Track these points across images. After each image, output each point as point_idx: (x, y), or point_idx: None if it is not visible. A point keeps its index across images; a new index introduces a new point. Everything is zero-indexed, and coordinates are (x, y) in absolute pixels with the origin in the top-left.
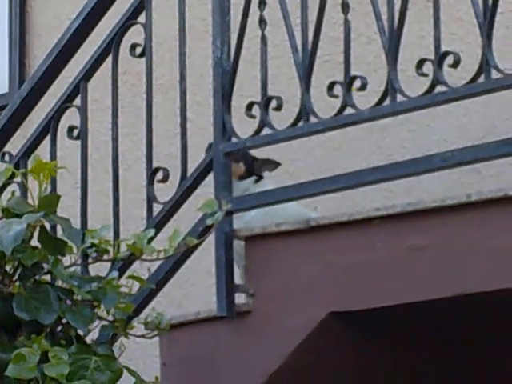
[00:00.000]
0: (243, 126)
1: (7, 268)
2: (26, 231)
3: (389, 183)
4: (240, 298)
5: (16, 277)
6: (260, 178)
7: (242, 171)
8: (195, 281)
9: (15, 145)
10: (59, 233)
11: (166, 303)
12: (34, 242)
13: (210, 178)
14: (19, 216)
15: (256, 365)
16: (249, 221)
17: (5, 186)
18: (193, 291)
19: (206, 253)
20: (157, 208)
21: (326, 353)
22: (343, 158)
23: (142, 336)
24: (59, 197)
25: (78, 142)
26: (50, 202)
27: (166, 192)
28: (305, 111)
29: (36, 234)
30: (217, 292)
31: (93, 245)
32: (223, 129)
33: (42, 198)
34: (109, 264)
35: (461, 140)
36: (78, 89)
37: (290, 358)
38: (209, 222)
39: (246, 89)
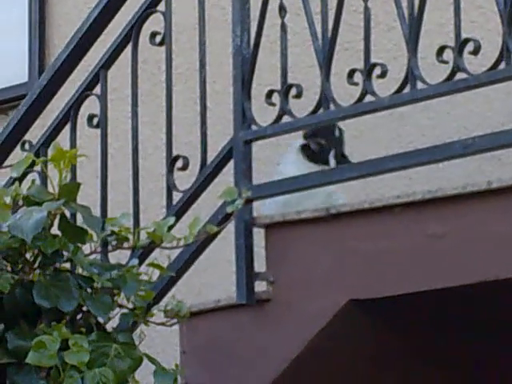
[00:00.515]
0: (263, 114)
1: (27, 256)
2: (46, 219)
3: (409, 171)
4: (260, 286)
5: (36, 265)
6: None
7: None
8: (214, 269)
9: (34, 134)
10: (79, 221)
11: (185, 291)
12: (54, 230)
13: (228, 167)
14: (39, 204)
15: (276, 352)
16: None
17: (25, 174)
18: (212, 279)
19: (226, 241)
20: (176, 196)
21: (346, 340)
22: (363, 146)
23: (162, 324)
24: (79, 184)
25: (97, 131)
26: (70, 189)
27: (185, 180)
28: (325, 99)
29: (56, 222)
30: (236, 280)
31: (113, 233)
32: (243, 117)
33: (62, 185)
34: (128, 252)
35: (481, 127)
36: (97, 77)
37: (309, 345)
38: (229, 209)
39: (265, 77)
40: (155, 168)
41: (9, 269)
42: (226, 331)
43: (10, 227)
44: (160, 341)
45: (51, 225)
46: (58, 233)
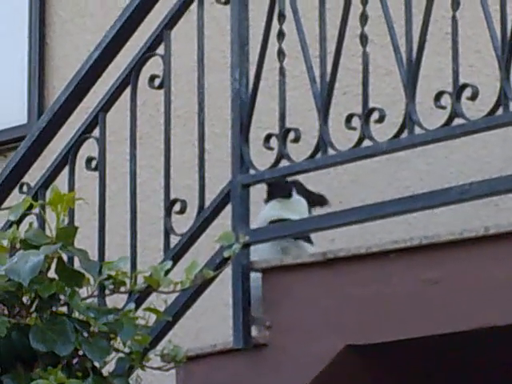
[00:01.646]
0: (260, 158)
1: (24, 299)
2: (43, 263)
3: (407, 215)
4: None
5: (33, 308)
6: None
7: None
8: (211, 313)
9: (33, 175)
10: (76, 264)
11: (182, 335)
12: (51, 274)
13: (226, 210)
14: (37, 247)
15: None
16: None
17: (23, 217)
18: (209, 323)
19: (223, 284)
20: (174, 239)
21: None
22: (360, 190)
23: (159, 368)
24: (77, 228)
25: (95, 173)
26: (67, 233)
27: (182, 223)
28: (323, 143)
29: (53, 265)
30: (233, 324)
31: (110, 277)
32: (241, 160)
33: (59, 229)
34: (125, 296)
35: (479, 173)
36: (96, 120)
37: None
38: (226, 254)
39: (263, 120)
40: (153, 211)
41: (5, 312)
42: (223, 376)
43: (6, 271)
44: None
45: (48, 268)
46: (55, 276)
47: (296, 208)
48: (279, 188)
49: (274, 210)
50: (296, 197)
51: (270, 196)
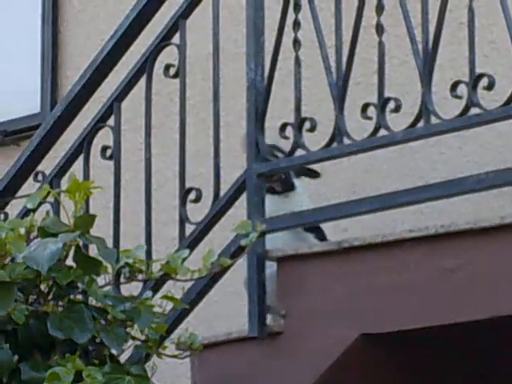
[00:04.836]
0: None
1: (42, 287)
2: (61, 250)
3: (420, 205)
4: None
5: (51, 296)
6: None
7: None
8: (225, 301)
9: (45, 164)
10: (92, 252)
11: (195, 323)
12: (69, 262)
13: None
14: (55, 235)
15: None
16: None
17: (38, 205)
18: (222, 312)
19: (237, 273)
20: (188, 228)
21: (357, 374)
22: (374, 180)
23: (175, 356)
24: (95, 216)
25: (108, 162)
26: (85, 221)
27: (196, 212)
28: (338, 132)
29: (71, 253)
30: (248, 313)
31: (127, 264)
32: (256, 149)
33: (77, 217)
34: (139, 284)
35: (493, 162)
36: (111, 109)
37: (321, 379)
38: (243, 242)
39: (277, 110)
40: (166, 200)
41: (23, 300)
42: (238, 364)
43: (25, 258)
44: (170, 373)
45: (66, 256)
46: (73, 264)
47: (298, 201)
48: (282, 183)
49: (276, 206)
50: (299, 189)
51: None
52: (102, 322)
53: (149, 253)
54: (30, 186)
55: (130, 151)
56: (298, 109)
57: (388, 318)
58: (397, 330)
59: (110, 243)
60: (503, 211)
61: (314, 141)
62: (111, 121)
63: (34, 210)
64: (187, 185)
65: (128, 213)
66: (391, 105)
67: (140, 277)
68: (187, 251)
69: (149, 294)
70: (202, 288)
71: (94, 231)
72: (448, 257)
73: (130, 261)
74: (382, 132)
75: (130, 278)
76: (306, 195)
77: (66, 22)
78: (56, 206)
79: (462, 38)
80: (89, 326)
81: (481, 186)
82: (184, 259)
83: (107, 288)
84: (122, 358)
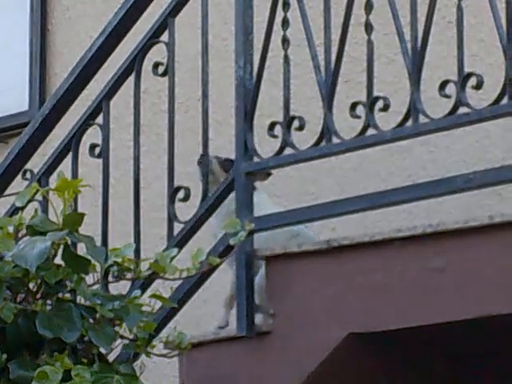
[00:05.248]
0: (263, 146)
1: (31, 285)
2: (50, 249)
3: (409, 204)
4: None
5: (39, 294)
6: None
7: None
8: (213, 300)
9: (34, 162)
10: (81, 251)
11: (183, 322)
12: (58, 260)
13: None
14: (43, 234)
15: None
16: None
17: (26, 203)
18: (210, 311)
19: (225, 272)
20: (177, 227)
21: (346, 373)
22: (362, 179)
23: (164, 355)
24: (83, 215)
25: (97, 161)
26: (74, 220)
27: (184, 211)
28: (327, 131)
29: (60, 252)
30: (237, 312)
31: (116, 263)
32: (245, 148)
33: (66, 215)
34: (127, 283)
35: (481, 162)
36: (100, 107)
37: (309, 379)
38: (232, 241)
39: (265, 108)
40: (154, 198)
41: (12, 298)
42: (226, 363)
43: (13, 257)
44: (157, 372)
45: (55, 255)
46: (61, 263)
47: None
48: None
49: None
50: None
51: None
52: (91, 320)
53: (137, 251)
54: (18, 184)
55: (119, 149)
56: (286, 107)
57: (376, 317)
58: (385, 330)
59: (98, 242)
60: (492, 210)
61: (303, 140)
62: (100, 119)
63: (22, 209)
64: (176, 183)
65: (116, 211)
66: (380, 104)
67: (128, 275)
68: (176, 250)
69: (137, 292)
70: (191, 287)
71: (82, 230)
72: (436, 256)
73: (119, 259)
74: (371, 131)
75: (118, 276)
76: (263, 195)
77: (54, 19)
78: (44, 204)
79: (450, 36)
80: (77, 324)
81: (469, 185)
82: (172, 258)
83: (96, 287)
84: (111, 357)
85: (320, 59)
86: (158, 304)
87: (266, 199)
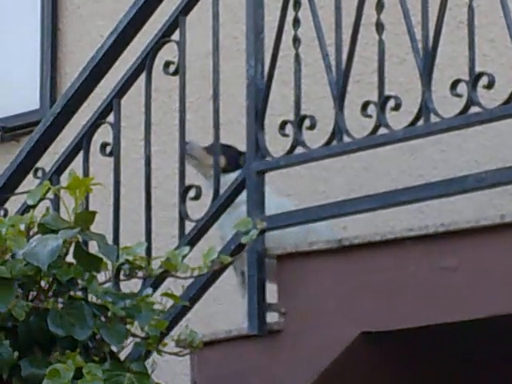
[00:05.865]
0: (274, 145)
1: (42, 283)
2: (61, 247)
3: (420, 204)
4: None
5: (51, 292)
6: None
7: (224, 165)
8: (224, 299)
9: (45, 161)
10: (92, 249)
11: (194, 321)
12: (69, 258)
13: None
14: (55, 232)
15: None
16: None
17: (38, 201)
18: (221, 309)
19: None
20: (188, 226)
21: (357, 372)
22: (373, 178)
23: (175, 354)
24: (95, 213)
25: (108, 159)
26: (86, 218)
27: (195, 210)
28: (338, 130)
29: (71, 250)
30: (248, 310)
31: (127, 261)
32: (256, 147)
33: (77, 214)
34: (138, 282)
35: (493, 161)
36: (111, 106)
37: (321, 377)
38: (243, 240)
39: (276, 107)
40: (165, 197)
41: (24, 296)
42: (238, 362)
43: (25, 255)
44: (168, 371)
45: (66, 253)
46: (73, 261)
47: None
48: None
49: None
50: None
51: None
52: (102, 318)
53: (149, 250)
54: (29, 183)
55: (129, 148)
56: (297, 106)
57: (388, 316)
58: (397, 329)
59: (109, 240)
60: (503, 210)
61: (314, 139)
62: (111, 117)
63: (34, 207)
64: (187, 182)
65: (128, 210)
66: (391, 103)
67: (140, 274)
68: (187, 248)
69: (149, 291)
70: (202, 285)
71: (93, 228)
72: (448, 256)
73: (131, 258)
74: (382, 130)
75: (130, 275)
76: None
77: (65, 18)
78: (56, 202)
79: (461, 36)
80: (89, 322)
81: (481, 184)
82: (184, 256)
83: (107, 285)
84: (122, 355)
85: (331, 59)
86: (170, 302)
87: (269, 191)
